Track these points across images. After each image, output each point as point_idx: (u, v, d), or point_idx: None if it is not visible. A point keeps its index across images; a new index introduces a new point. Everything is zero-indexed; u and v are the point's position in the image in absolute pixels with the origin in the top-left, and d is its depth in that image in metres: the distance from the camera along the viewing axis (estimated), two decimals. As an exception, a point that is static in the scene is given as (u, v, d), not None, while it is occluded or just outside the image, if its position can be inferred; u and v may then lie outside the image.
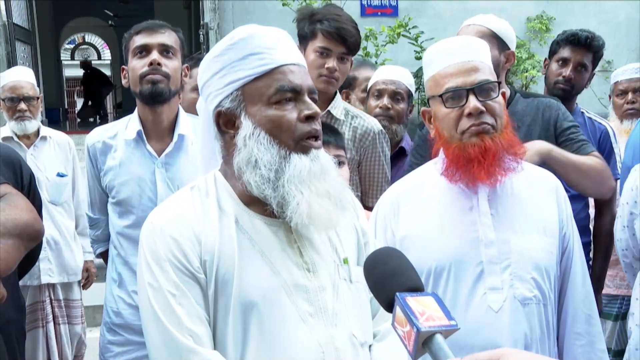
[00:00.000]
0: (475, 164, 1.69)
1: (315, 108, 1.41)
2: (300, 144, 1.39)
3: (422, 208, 1.81)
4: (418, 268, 1.71)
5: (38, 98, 3.69)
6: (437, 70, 1.76)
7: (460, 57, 1.74)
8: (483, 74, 1.73)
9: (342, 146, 2.26)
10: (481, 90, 1.72)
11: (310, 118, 1.40)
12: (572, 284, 1.82)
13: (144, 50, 2.34)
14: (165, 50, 2.34)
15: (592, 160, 2.37)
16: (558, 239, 1.80)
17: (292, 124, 1.39)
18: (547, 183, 1.86)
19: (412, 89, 3.18)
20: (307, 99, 1.41)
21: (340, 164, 2.19)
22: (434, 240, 1.76)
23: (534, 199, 1.80)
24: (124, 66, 2.46)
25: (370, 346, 1.51)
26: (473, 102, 1.70)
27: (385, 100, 3.05)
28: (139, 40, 2.35)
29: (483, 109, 1.70)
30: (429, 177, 1.86)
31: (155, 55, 2.32)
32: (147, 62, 2.32)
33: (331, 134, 2.24)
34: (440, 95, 1.73)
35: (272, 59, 1.40)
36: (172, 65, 2.35)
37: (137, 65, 2.35)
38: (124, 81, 2.46)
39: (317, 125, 1.41)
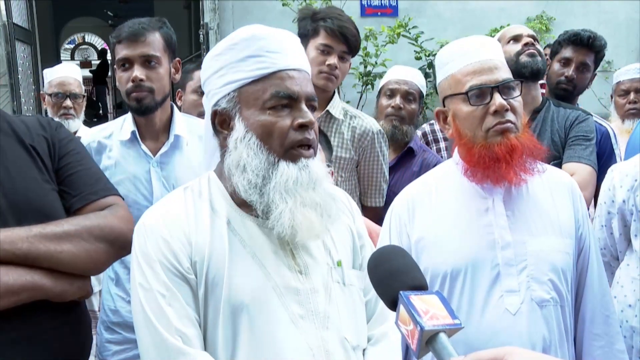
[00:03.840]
0: (504, 164, 1.68)
1: (309, 117, 1.39)
2: (289, 152, 1.38)
3: (437, 210, 1.80)
4: (434, 271, 1.74)
5: (84, 96, 3.62)
6: (457, 69, 1.74)
7: (480, 56, 1.72)
8: (504, 72, 1.73)
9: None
10: (504, 88, 1.71)
11: (303, 126, 1.38)
12: (589, 284, 1.80)
13: (127, 62, 2.33)
14: (147, 60, 2.32)
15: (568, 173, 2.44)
16: (574, 239, 1.78)
17: (284, 131, 1.37)
18: (562, 182, 1.84)
19: (424, 90, 3.17)
20: (303, 106, 1.39)
21: None
22: (450, 243, 1.74)
23: (549, 199, 1.79)
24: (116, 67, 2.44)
25: (364, 350, 1.49)
26: (499, 99, 1.69)
27: (397, 100, 3.05)
28: (121, 51, 2.33)
29: (508, 106, 1.69)
30: (444, 178, 1.85)
31: (137, 71, 2.30)
32: (130, 78, 2.31)
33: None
34: (466, 93, 1.71)
35: (272, 63, 1.38)
36: (156, 75, 2.33)
37: (122, 79, 2.35)
38: (118, 84, 2.45)
39: (309, 135, 1.39)
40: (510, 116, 1.70)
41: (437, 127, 3.69)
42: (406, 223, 1.82)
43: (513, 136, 1.69)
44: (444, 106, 1.81)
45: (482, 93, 1.70)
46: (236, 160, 1.38)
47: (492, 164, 1.69)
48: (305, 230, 1.36)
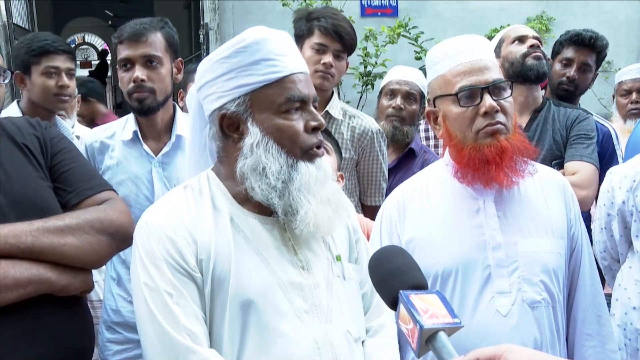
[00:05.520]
0: (494, 166, 1.67)
1: (320, 119, 1.44)
2: (307, 153, 1.42)
3: (428, 210, 1.79)
4: (425, 272, 1.70)
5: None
6: (447, 69, 1.72)
7: (470, 56, 1.71)
8: (495, 73, 1.72)
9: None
10: (495, 88, 1.70)
11: (315, 129, 1.43)
12: (581, 284, 1.80)
13: (128, 62, 2.32)
14: (149, 61, 2.31)
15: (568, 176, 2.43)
16: (566, 239, 1.78)
17: (300, 134, 1.41)
18: (554, 182, 1.83)
19: (425, 90, 3.17)
20: (312, 108, 1.44)
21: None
22: (441, 244, 1.74)
23: (541, 199, 1.78)
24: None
25: (363, 342, 1.52)
26: (489, 100, 1.67)
27: (398, 101, 3.05)
28: (123, 51, 2.32)
29: (498, 107, 1.68)
30: (435, 179, 1.84)
31: (138, 71, 2.29)
32: (132, 78, 2.30)
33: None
34: (455, 94, 1.70)
35: (284, 67, 1.40)
36: (157, 76, 2.33)
37: (123, 79, 2.34)
38: (120, 84, 2.44)
39: (320, 136, 1.45)
40: (500, 117, 1.69)
41: (422, 127, 3.69)
42: (397, 224, 1.82)
43: (503, 137, 1.69)
44: (434, 106, 1.80)
45: (472, 94, 1.69)
46: (253, 164, 1.39)
47: (482, 166, 1.69)
48: (326, 226, 1.42)
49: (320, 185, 1.42)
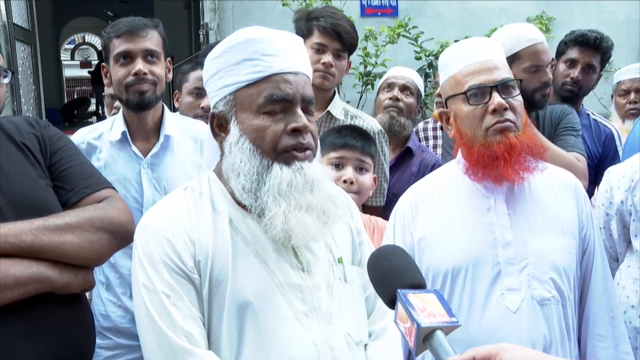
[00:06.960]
0: (502, 162, 1.69)
1: (303, 121, 1.38)
2: (282, 155, 1.37)
3: (440, 209, 1.82)
4: (436, 269, 1.76)
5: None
6: (457, 70, 1.76)
7: (479, 56, 1.75)
8: (504, 72, 1.75)
9: (368, 152, 2.24)
10: (503, 87, 1.73)
11: (296, 131, 1.37)
12: (593, 285, 1.81)
13: (127, 56, 2.28)
14: (150, 55, 2.29)
15: (570, 155, 2.44)
16: (578, 239, 1.79)
17: (277, 135, 1.37)
18: (565, 182, 1.85)
19: (422, 88, 3.23)
20: (298, 110, 1.39)
21: (362, 170, 2.19)
22: (452, 242, 1.76)
23: (552, 198, 1.80)
24: (104, 64, 2.39)
25: (365, 345, 1.51)
26: (497, 98, 1.70)
27: (395, 92, 3.08)
28: (121, 45, 2.28)
29: (507, 105, 1.71)
30: (447, 178, 1.87)
31: (140, 64, 2.26)
32: (132, 71, 2.26)
33: (360, 138, 2.23)
34: (464, 93, 1.73)
35: (267, 67, 1.38)
36: (158, 70, 2.31)
37: (120, 73, 2.29)
38: (105, 81, 2.41)
39: (303, 139, 1.39)
40: (509, 115, 1.72)
41: (430, 125, 3.70)
42: (409, 222, 1.84)
43: (512, 135, 1.71)
44: (447, 107, 1.84)
45: (481, 93, 1.73)
46: (231, 164, 1.39)
47: (491, 163, 1.71)
48: (300, 233, 1.36)
49: (298, 190, 1.36)
